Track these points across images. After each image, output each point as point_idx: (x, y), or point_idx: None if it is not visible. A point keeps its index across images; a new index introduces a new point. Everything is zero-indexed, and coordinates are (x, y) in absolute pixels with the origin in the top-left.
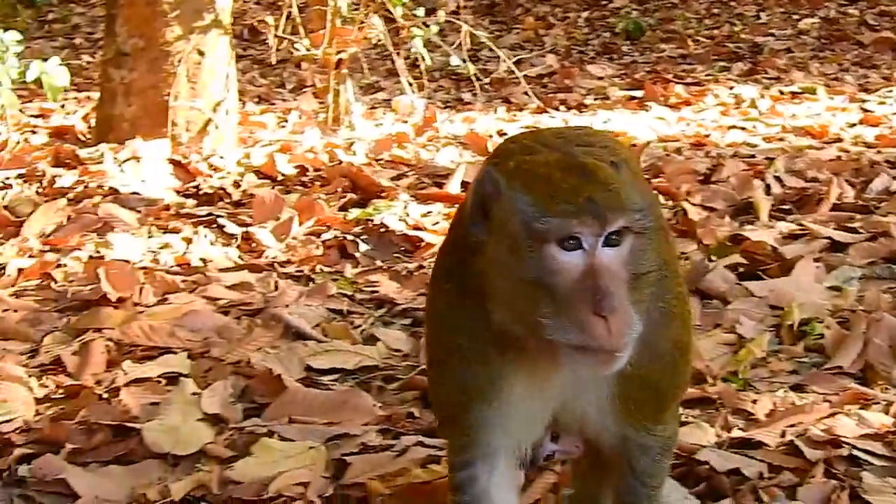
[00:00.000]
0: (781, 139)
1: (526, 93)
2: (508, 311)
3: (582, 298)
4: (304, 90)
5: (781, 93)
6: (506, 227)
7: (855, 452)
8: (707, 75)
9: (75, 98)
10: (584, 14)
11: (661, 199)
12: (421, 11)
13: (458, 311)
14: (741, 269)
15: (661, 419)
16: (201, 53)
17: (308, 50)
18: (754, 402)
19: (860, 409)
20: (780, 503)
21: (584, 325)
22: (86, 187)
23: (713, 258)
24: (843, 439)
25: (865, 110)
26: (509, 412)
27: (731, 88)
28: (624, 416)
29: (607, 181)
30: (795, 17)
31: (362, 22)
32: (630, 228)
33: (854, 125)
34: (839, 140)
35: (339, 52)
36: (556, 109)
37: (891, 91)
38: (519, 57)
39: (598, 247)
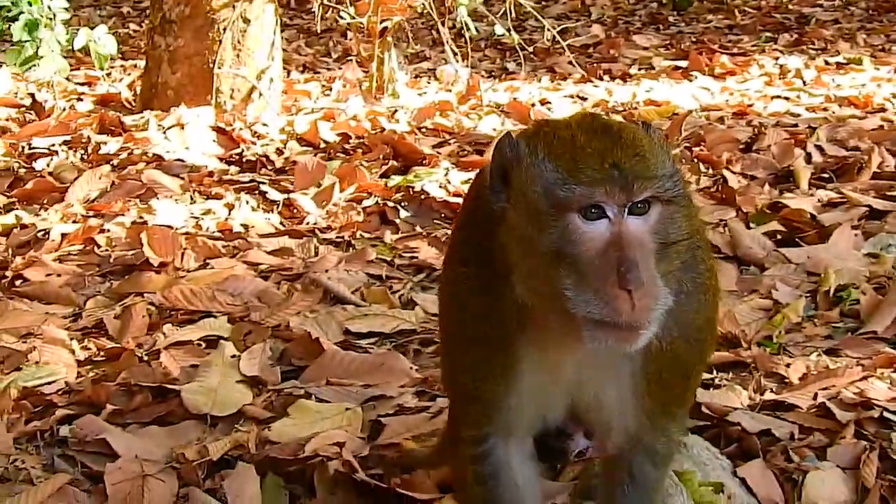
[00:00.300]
0: (825, 109)
1: (570, 62)
2: (530, 284)
3: (606, 271)
4: (348, 59)
5: (827, 63)
6: (527, 195)
7: (886, 415)
8: (753, 46)
9: (121, 66)
10: None
11: (702, 167)
12: None
13: (476, 287)
14: (779, 237)
15: (680, 408)
16: (246, 21)
17: (353, 18)
18: (788, 365)
19: (893, 372)
20: (811, 463)
21: (607, 298)
22: (130, 154)
23: (752, 225)
24: (875, 402)
25: None
26: (526, 391)
27: (777, 59)
28: (645, 400)
29: (635, 144)
30: None
31: None
32: (658, 197)
33: None
34: (883, 110)
35: (383, 21)
36: (600, 79)
37: None
38: (564, 26)
39: (623, 216)
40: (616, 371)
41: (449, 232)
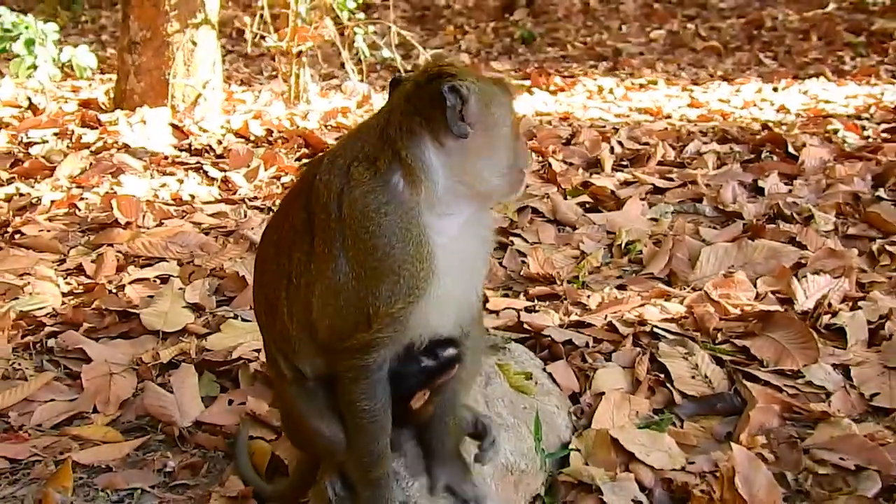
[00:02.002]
0: (627, 116)
1: None
2: (478, 178)
3: (521, 138)
4: (274, 75)
5: (633, 84)
6: (493, 119)
7: (656, 330)
8: (579, 70)
9: (100, 78)
10: (492, 24)
11: (534, 155)
12: (362, 15)
13: (412, 215)
14: (587, 206)
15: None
16: (194, 43)
17: (276, 42)
18: (588, 297)
19: (664, 301)
20: (600, 364)
21: (526, 153)
22: (104, 143)
23: (568, 197)
24: (649, 321)
25: (692, 97)
26: (444, 295)
27: (596, 80)
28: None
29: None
30: (648, 29)
31: (316, 23)
32: None
33: (681, 107)
34: (669, 117)
35: (298, 46)
36: None
37: (712, 84)
38: (440, 55)
39: None
40: (485, 246)
41: None
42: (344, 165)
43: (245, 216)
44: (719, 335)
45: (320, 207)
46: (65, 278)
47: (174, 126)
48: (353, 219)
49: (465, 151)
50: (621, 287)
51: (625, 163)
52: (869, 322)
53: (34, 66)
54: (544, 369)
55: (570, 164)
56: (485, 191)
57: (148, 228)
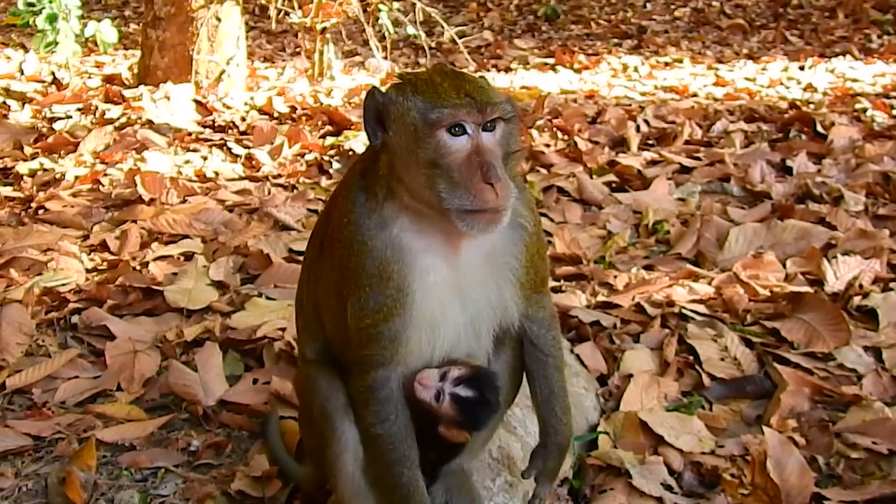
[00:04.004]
0: (653, 94)
1: (466, 58)
2: (414, 192)
3: (471, 172)
4: (297, 52)
5: (657, 62)
6: (404, 125)
7: (684, 311)
8: (603, 48)
9: (123, 54)
10: (515, 1)
11: (559, 134)
12: None
13: (370, 226)
14: (614, 185)
15: (546, 284)
16: (218, 19)
17: (300, 19)
18: (615, 277)
19: (692, 282)
20: (628, 345)
21: (475, 191)
22: (128, 118)
23: (594, 177)
24: (677, 302)
25: (718, 76)
26: (425, 315)
27: (620, 58)
28: (524, 284)
29: (479, 80)
30: (672, 6)
31: None
32: (502, 117)
33: (707, 86)
34: (695, 95)
35: (322, 22)
36: (488, 71)
37: (738, 63)
38: (463, 32)
39: (479, 132)
40: (496, 269)
41: None
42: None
43: (269, 193)
44: (748, 316)
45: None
46: (88, 254)
47: (198, 102)
48: (332, 226)
49: (394, 164)
50: (648, 267)
51: (651, 142)
52: None
53: (55, 42)
54: (571, 350)
55: (596, 142)
56: (426, 214)
57: (172, 205)
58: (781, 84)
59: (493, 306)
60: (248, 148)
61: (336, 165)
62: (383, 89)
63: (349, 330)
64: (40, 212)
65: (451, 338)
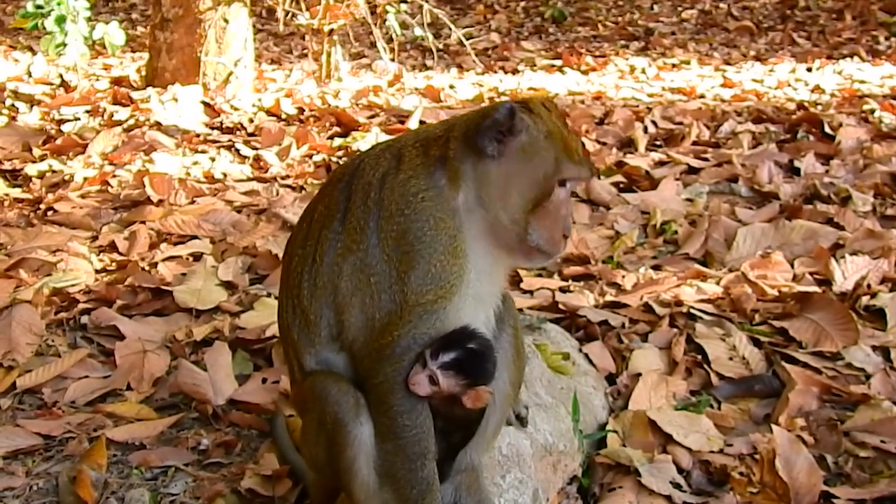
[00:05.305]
0: (660, 95)
1: (473, 60)
2: (496, 209)
3: (560, 221)
4: (305, 54)
5: (665, 63)
6: (529, 160)
7: (692, 311)
8: (611, 50)
9: (131, 57)
10: (522, 3)
11: None
12: None
13: (448, 206)
14: (621, 185)
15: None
16: (226, 21)
17: (307, 21)
18: (623, 277)
19: (700, 282)
20: (636, 345)
21: (557, 240)
22: (136, 120)
23: (602, 177)
24: (685, 301)
25: (725, 77)
26: (473, 298)
27: (627, 60)
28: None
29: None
30: (679, 8)
31: (348, 1)
32: None
33: (714, 88)
34: (702, 97)
35: (330, 24)
36: (495, 73)
37: (746, 64)
38: (470, 33)
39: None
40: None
41: None
42: (396, 149)
43: (277, 194)
44: (756, 316)
45: (361, 186)
46: (97, 255)
47: (206, 104)
48: (391, 200)
49: (492, 177)
50: (656, 267)
51: (659, 142)
52: None
53: (64, 44)
54: (580, 350)
55: (604, 143)
56: (498, 228)
57: (180, 206)
58: (789, 85)
59: (499, 287)
60: (256, 149)
61: None
62: (522, 114)
63: (403, 307)
64: (49, 213)
65: (482, 319)
